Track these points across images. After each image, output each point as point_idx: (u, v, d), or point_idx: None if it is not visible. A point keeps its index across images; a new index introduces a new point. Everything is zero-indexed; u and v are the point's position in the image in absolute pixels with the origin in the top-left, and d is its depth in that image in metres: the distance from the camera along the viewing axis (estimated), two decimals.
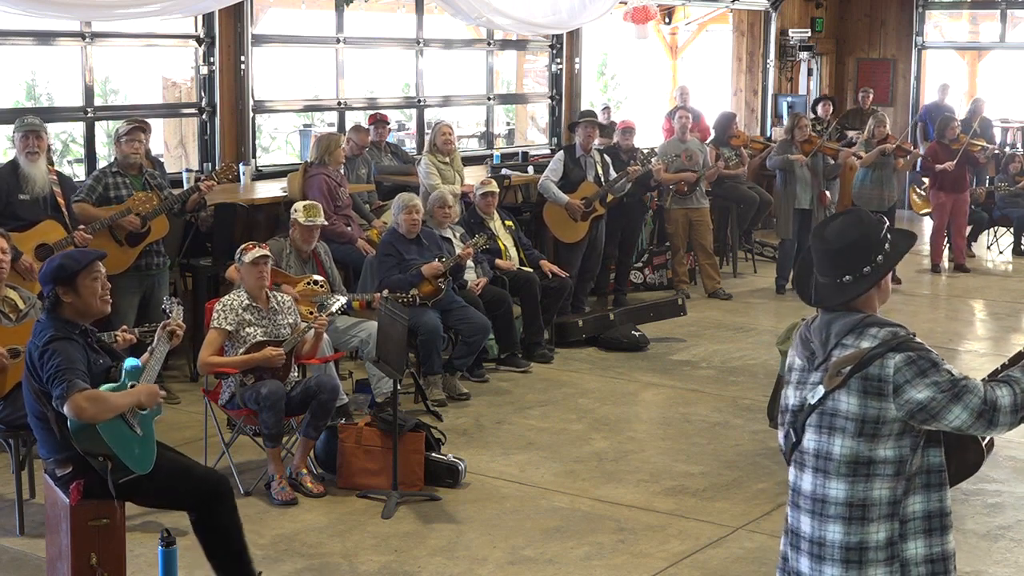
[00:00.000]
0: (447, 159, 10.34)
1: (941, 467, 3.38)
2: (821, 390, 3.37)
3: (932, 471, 3.36)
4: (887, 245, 3.45)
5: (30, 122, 7.73)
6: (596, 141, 11.06)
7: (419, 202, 8.78)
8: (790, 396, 3.52)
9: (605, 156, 11.02)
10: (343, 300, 7.39)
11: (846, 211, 3.59)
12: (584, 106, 14.18)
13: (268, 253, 6.88)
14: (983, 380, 3.32)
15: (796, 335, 3.57)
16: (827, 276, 3.46)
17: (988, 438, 3.54)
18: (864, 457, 3.32)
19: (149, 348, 5.30)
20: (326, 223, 8.01)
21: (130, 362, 5.11)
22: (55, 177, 7.83)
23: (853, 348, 3.33)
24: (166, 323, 5.39)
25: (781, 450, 3.57)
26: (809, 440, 3.42)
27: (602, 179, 10.76)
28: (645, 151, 11.85)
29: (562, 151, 11.00)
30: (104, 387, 4.91)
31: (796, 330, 3.61)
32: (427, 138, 10.77)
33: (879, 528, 3.33)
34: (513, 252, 9.77)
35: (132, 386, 5.01)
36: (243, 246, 6.91)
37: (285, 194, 9.60)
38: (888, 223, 3.54)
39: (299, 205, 7.99)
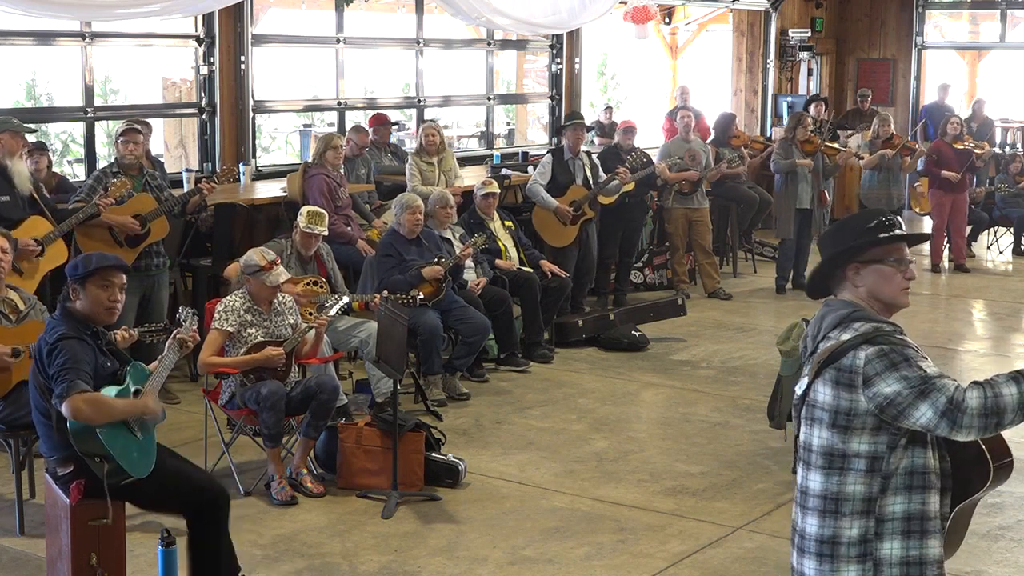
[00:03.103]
0: (431, 161, 10.34)
1: (926, 469, 3.30)
2: (805, 381, 3.39)
3: (916, 472, 3.30)
4: (880, 234, 3.36)
5: (20, 122, 7.67)
6: (597, 141, 11.03)
7: (421, 202, 8.77)
8: (796, 392, 3.54)
9: (594, 158, 10.95)
10: (343, 300, 7.38)
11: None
12: (584, 106, 14.17)
13: (286, 275, 6.83)
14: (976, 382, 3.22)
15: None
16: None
17: (1007, 459, 3.45)
18: (838, 450, 3.31)
19: (159, 356, 5.28)
20: (327, 232, 7.98)
21: (136, 366, 5.10)
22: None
23: (835, 341, 3.34)
24: (178, 332, 5.36)
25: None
26: (802, 432, 3.45)
27: (591, 182, 10.68)
28: (637, 150, 11.81)
29: (549, 154, 10.88)
30: (106, 390, 4.90)
31: (797, 329, 3.62)
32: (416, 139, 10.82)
33: (852, 524, 3.30)
34: (513, 252, 9.76)
35: (137, 391, 5.00)
36: (258, 259, 6.70)
37: (285, 194, 9.60)
38: (885, 220, 3.42)
39: (305, 210, 7.94)
